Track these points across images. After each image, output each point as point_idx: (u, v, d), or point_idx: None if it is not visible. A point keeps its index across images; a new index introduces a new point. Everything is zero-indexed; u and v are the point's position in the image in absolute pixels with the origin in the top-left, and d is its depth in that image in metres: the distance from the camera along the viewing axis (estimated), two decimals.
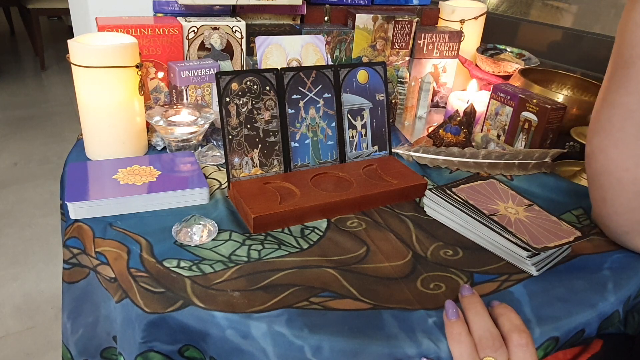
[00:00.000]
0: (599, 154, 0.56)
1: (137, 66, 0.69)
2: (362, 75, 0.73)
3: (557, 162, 0.81)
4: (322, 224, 0.63)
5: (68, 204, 0.59)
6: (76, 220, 0.60)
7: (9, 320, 1.36)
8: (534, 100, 0.79)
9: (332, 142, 0.72)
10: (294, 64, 0.82)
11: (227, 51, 0.88)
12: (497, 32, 1.34)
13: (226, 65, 0.88)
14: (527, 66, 1.05)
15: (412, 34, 1.02)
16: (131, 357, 0.50)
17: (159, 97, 0.85)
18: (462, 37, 1.06)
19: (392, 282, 0.53)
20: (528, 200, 0.64)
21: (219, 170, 0.73)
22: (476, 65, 1.09)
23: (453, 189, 0.64)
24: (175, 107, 0.77)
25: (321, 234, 0.61)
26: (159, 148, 0.78)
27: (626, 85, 0.52)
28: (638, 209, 0.55)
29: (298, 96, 0.69)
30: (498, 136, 0.87)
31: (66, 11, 3.01)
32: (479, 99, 0.92)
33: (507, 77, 1.02)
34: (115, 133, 0.71)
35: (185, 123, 0.73)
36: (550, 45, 1.27)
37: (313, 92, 0.70)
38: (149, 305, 0.49)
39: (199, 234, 0.58)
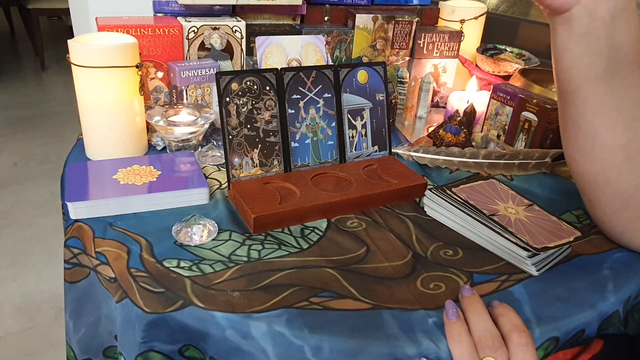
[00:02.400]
0: (571, 162, 0.59)
1: (137, 66, 0.69)
2: (362, 75, 0.73)
3: (557, 162, 0.81)
4: (322, 224, 0.63)
5: (68, 204, 0.59)
6: (76, 220, 0.60)
7: (9, 320, 1.37)
8: (534, 100, 0.79)
9: (332, 142, 0.72)
10: (294, 64, 0.82)
11: (227, 51, 0.88)
12: (497, 32, 1.34)
13: (226, 65, 0.88)
14: (527, 66, 1.05)
15: (412, 34, 1.02)
16: (131, 357, 0.50)
17: (159, 97, 0.85)
18: (462, 37, 1.06)
19: (392, 282, 0.53)
20: (528, 200, 0.64)
21: (219, 170, 0.73)
22: (476, 65, 1.09)
23: (453, 189, 0.64)
24: (175, 107, 0.77)
25: (321, 234, 0.61)
26: (159, 148, 0.78)
27: (564, 98, 0.55)
28: (623, 209, 0.56)
29: (298, 96, 0.69)
30: (498, 136, 0.87)
31: (66, 11, 3.01)
32: (479, 99, 0.92)
33: (507, 77, 1.02)
34: (115, 133, 0.71)
35: (185, 123, 0.73)
36: (550, 46, 1.27)
37: (313, 92, 0.70)
38: (148, 305, 0.49)
39: (199, 234, 0.58)
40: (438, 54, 1.05)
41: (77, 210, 0.60)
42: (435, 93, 1.07)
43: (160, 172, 0.67)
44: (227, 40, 0.87)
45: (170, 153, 0.75)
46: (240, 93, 0.65)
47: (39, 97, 2.96)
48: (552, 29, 0.53)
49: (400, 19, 0.99)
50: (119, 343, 0.53)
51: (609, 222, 0.59)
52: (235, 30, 0.87)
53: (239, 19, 0.89)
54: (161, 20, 0.83)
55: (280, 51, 0.80)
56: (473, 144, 0.84)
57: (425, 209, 0.67)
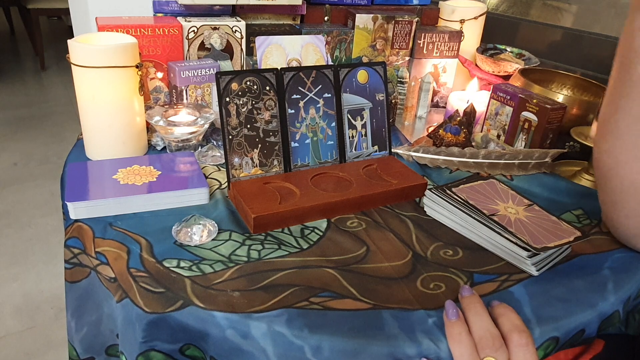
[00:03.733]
0: (607, 158, 0.56)
1: (137, 66, 0.69)
2: (362, 75, 0.73)
3: (557, 162, 0.81)
4: (322, 224, 0.63)
5: (68, 204, 0.59)
6: (76, 220, 0.60)
7: (9, 320, 1.36)
8: (534, 100, 0.79)
9: (332, 142, 0.72)
10: (294, 64, 0.82)
11: (227, 51, 0.88)
12: (497, 32, 1.34)
13: (226, 65, 0.88)
14: (527, 66, 1.05)
15: (412, 34, 1.02)
16: (132, 356, 0.50)
17: (159, 97, 0.85)
18: (462, 37, 1.06)
19: (392, 282, 0.53)
20: (528, 200, 0.64)
21: (219, 170, 0.73)
22: (476, 65, 1.09)
23: (453, 189, 0.64)
24: (175, 107, 0.77)
25: (321, 234, 0.61)
26: (159, 148, 0.78)
27: (629, 91, 0.52)
28: None
29: (298, 96, 0.69)
30: (498, 136, 0.87)
31: (66, 11, 3.01)
32: (479, 99, 0.92)
33: (507, 77, 1.02)
34: (115, 133, 0.71)
35: (185, 123, 0.73)
36: (550, 45, 1.27)
37: (313, 92, 0.70)
38: (149, 305, 0.49)
39: (199, 234, 0.58)
40: (438, 54, 1.05)
41: (77, 210, 0.60)
42: (435, 93, 1.07)
43: (160, 172, 0.67)
44: (227, 40, 0.87)
45: (170, 153, 0.75)
46: (240, 93, 0.65)
47: (39, 97, 2.96)
48: None
49: (400, 19, 0.99)
50: (120, 342, 0.53)
51: (627, 224, 0.58)
52: (235, 30, 0.87)
53: (239, 19, 0.89)
54: (161, 20, 0.83)
55: (280, 51, 0.80)
56: (473, 144, 0.84)
57: (425, 209, 0.67)
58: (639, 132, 0.52)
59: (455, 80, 1.08)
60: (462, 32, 1.06)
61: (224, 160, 0.66)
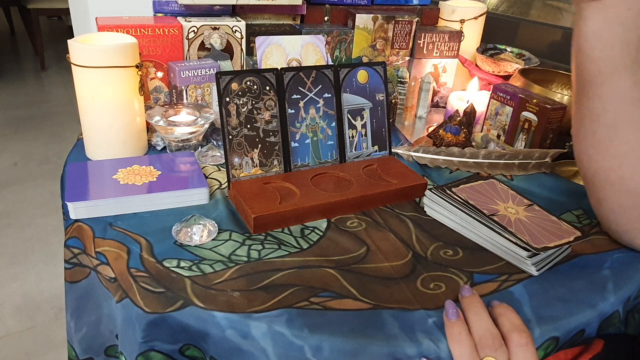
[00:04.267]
0: (583, 157, 0.57)
1: (137, 66, 0.69)
2: (362, 75, 0.73)
3: (557, 162, 0.81)
4: (322, 224, 0.63)
5: (68, 204, 0.59)
6: (76, 220, 0.60)
7: (9, 320, 1.37)
8: (534, 100, 0.79)
9: (332, 142, 0.72)
10: (294, 64, 0.82)
11: (227, 51, 0.88)
12: (497, 32, 1.34)
13: (226, 65, 0.88)
14: (527, 66, 1.05)
15: (412, 34, 1.02)
16: (132, 357, 0.50)
17: (159, 97, 0.85)
18: (462, 37, 1.06)
19: (392, 282, 0.53)
20: (528, 200, 0.64)
21: (219, 170, 0.73)
22: (476, 65, 1.09)
23: (453, 189, 0.64)
24: (175, 107, 0.77)
25: (321, 234, 0.61)
26: (159, 148, 0.78)
27: (587, 92, 0.53)
28: (632, 207, 0.56)
29: (298, 96, 0.69)
30: (498, 136, 0.87)
31: (66, 11, 3.01)
32: (479, 99, 0.92)
33: (507, 77, 1.02)
34: (115, 133, 0.71)
35: (185, 123, 0.73)
36: (550, 45, 1.27)
37: (313, 92, 0.70)
38: (149, 305, 0.49)
39: (199, 234, 0.58)
40: (438, 54, 1.05)
41: (77, 210, 0.60)
42: (435, 93, 1.07)
43: (160, 172, 0.67)
44: (227, 40, 0.87)
45: (170, 153, 0.75)
46: (240, 93, 0.65)
47: (39, 97, 2.96)
48: (583, 17, 0.51)
49: (400, 19, 0.99)
50: (120, 343, 0.53)
51: (615, 221, 0.59)
52: (235, 30, 0.87)
53: (239, 19, 0.89)
54: (161, 20, 0.83)
55: (280, 51, 0.80)
56: (473, 144, 0.84)
57: (425, 209, 0.67)
58: (605, 130, 0.53)
59: (455, 80, 1.08)
60: (462, 32, 1.06)
61: (224, 160, 0.66)
